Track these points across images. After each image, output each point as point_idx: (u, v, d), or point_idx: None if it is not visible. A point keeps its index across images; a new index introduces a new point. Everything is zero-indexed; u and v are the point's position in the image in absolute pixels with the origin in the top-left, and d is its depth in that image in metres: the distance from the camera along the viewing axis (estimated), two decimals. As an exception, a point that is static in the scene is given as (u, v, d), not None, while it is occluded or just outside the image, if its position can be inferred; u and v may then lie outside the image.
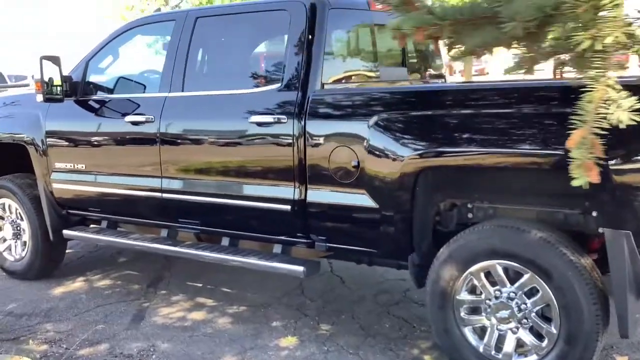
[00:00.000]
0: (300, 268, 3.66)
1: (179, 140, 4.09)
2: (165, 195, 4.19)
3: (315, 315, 4.21)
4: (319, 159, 3.51)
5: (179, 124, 4.10)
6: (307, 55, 3.64)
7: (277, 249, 3.94)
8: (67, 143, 4.69)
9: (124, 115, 4.34)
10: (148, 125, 4.19)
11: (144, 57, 5.44)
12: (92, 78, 4.73)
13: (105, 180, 4.50)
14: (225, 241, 4.18)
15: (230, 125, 3.89)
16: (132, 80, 4.89)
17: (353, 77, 4.09)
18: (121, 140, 4.39)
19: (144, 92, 4.70)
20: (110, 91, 4.76)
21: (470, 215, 3.40)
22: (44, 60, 4.33)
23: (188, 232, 4.41)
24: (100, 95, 4.72)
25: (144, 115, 4.21)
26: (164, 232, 4.48)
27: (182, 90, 4.13)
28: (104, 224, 4.80)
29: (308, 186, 3.58)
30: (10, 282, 5.12)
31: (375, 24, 4.15)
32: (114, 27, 5.03)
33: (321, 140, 3.51)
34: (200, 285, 4.89)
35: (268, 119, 3.67)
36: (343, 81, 3.94)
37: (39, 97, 4.39)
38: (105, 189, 4.52)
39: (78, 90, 4.62)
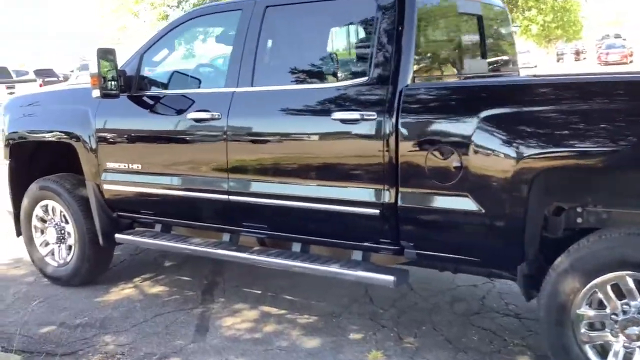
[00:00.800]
0: (390, 277, 3.38)
1: (249, 139, 3.80)
2: (232, 197, 3.90)
3: (392, 325, 3.93)
4: (412, 159, 3.23)
5: (249, 121, 3.82)
6: (397, 46, 3.35)
7: (356, 255, 3.65)
8: (120, 141, 4.40)
9: (185, 112, 4.05)
10: (214, 123, 3.90)
11: (201, 50, 5.14)
12: (146, 72, 4.44)
13: (162, 182, 4.22)
14: (296, 247, 3.89)
15: (309, 123, 3.60)
16: (187, 75, 4.60)
17: (442, 70, 3.80)
18: (182, 138, 4.10)
19: (200, 87, 4.42)
20: (165, 86, 4.47)
21: (579, 220, 3.13)
22: (99, 53, 4.03)
23: (252, 237, 4.13)
24: (154, 90, 4.43)
25: (209, 111, 3.92)
26: (225, 237, 4.20)
27: (252, 85, 3.84)
28: (158, 227, 4.51)
29: (400, 189, 3.29)
30: (54, 289, 4.83)
31: (460, 12, 3.87)
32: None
33: (415, 138, 3.22)
34: (259, 292, 4.60)
35: (353, 115, 3.38)
36: (432, 74, 3.65)
37: (95, 93, 4.09)
38: (163, 191, 4.23)
39: (132, 85, 4.33)
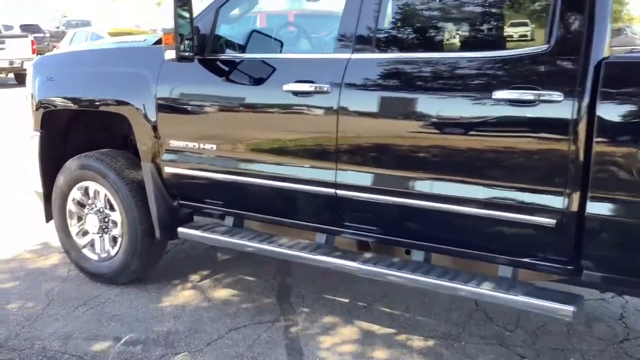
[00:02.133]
0: (569, 308, 2.64)
1: (369, 121, 3.01)
2: (340, 192, 3.11)
3: (534, 355, 3.21)
4: (613, 155, 2.47)
5: (370, 97, 3.01)
6: (589, 9, 2.56)
7: (504, 271, 2.91)
8: (188, 116, 3.56)
9: (277, 82, 3.23)
10: (319, 98, 3.09)
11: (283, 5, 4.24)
12: (222, 31, 3.60)
13: (242, 167, 3.41)
14: (418, 255, 3.14)
15: (456, 102, 2.80)
16: (270, 37, 3.77)
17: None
18: (272, 115, 3.29)
19: (294, 52, 3.62)
20: (244, 49, 3.63)
21: None
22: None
23: (354, 239, 3.37)
24: (233, 54, 3.60)
25: (314, 83, 3.10)
26: (320, 237, 3.42)
27: (375, 51, 3.03)
28: (229, 220, 3.71)
29: (589, 194, 2.54)
30: (95, 289, 4.03)
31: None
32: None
33: (619, 128, 2.46)
34: (346, 300, 3.85)
35: (525, 95, 2.60)
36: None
37: (169, 54, 3.25)
38: (242, 178, 3.43)
39: (206, 47, 3.48)
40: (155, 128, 3.63)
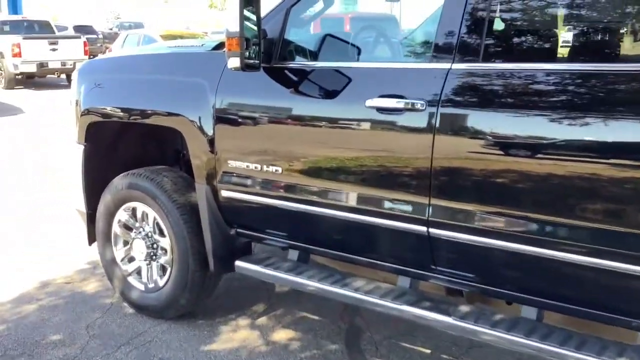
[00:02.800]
0: None
1: (476, 146, 2.45)
2: (434, 230, 2.57)
3: None
4: None
5: (478, 118, 2.46)
6: None
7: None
8: (251, 133, 3.08)
9: (357, 96, 2.71)
10: (410, 116, 2.57)
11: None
12: (292, 35, 3.10)
13: (314, 195, 2.91)
14: (529, 312, 2.57)
15: (612, 126, 2.22)
16: (345, 42, 3.26)
17: None
18: (351, 136, 2.78)
19: (375, 60, 3.09)
20: (315, 56, 3.13)
21: None
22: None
23: (445, 286, 2.82)
24: (303, 62, 3.11)
25: (403, 99, 2.57)
26: (403, 281, 2.89)
27: (484, 60, 2.48)
28: (293, 254, 3.21)
29: None
30: (141, 323, 3.58)
31: None
32: None
33: None
34: (427, 350, 3.30)
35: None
36: None
37: (233, 61, 2.76)
38: (314, 208, 2.92)
39: (273, 53, 2.99)
40: (212, 145, 3.16)
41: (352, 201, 2.79)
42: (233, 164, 3.12)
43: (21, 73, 16.34)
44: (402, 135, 2.60)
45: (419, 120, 2.54)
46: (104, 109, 3.61)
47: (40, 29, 18.04)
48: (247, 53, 2.79)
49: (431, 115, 2.51)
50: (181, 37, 14.78)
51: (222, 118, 3.11)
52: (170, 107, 3.30)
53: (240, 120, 3.09)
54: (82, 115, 3.68)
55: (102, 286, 4.06)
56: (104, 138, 3.75)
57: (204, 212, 3.28)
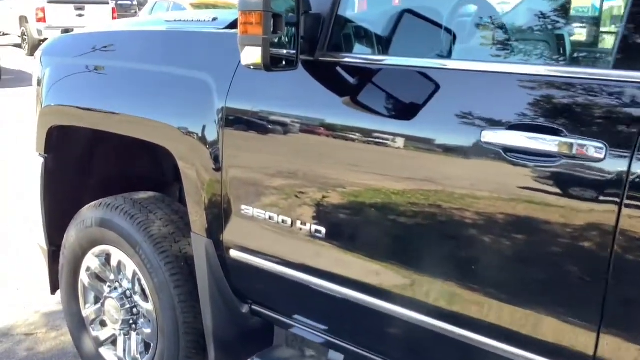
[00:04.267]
0: None
1: None
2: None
3: None
4: None
5: None
6: None
7: None
8: (282, 164, 1.92)
9: (464, 124, 1.54)
10: (571, 169, 1.38)
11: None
12: (351, 11, 1.93)
13: (385, 284, 1.74)
14: None
15: None
16: (439, 26, 2.05)
17: None
18: (454, 191, 1.59)
19: (508, 58, 1.90)
20: (385, 46, 1.95)
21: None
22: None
23: None
24: (365, 54, 1.93)
25: (559, 136, 1.39)
26: None
27: None
28: (336, 357, 2.06)
29: None
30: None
31: None
32: None
33: None
34: None
35: None
36: None
37: (250, 55, 1.59)
38: (383, 304, 1.76)
39: (320, 39, 1.81)
40: (217, 177, 2.02)
41: (447, 305, 1.63)
42: (249, 210, 1.98)
43: (45, 39, 15.36)
44: (553, 202, 1.42)
45: (591, 177, 1.36)
46: (70, 108, 2.49)
47: (68, -8, 17.02)
48: (276, 39, 1.62)
49: (617, 172, 1.32)
50: (214, 6, 13.56)
51: (234, 137, 1.97)
52: (154, 114, 2.17)
53: (263, 142, 1.94)
54: (41, 115, 2.57)
55: (70, 343, 2.98)
56: (72, 147, 2.65)
57: (202, 278, 2.16)
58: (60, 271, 2.67)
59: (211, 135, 2.02)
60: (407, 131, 1.65)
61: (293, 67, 1.70)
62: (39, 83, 2.61)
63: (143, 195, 2.50)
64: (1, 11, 16.43)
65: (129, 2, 27.73)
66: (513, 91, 1.53)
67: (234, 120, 1.96)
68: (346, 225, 1.81)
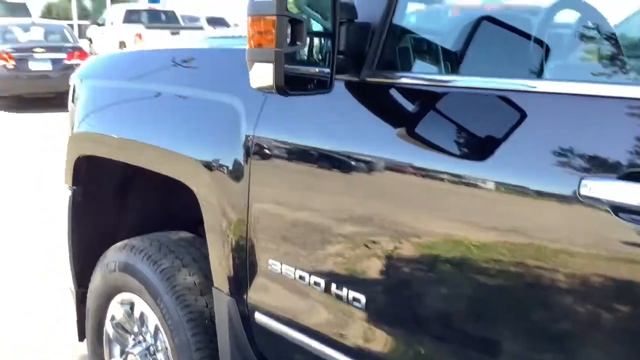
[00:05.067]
0: None
1: None
2: None
3: None
4: None
5: None
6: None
7: None
8: (324, 210, 1.53)
9: (557, 169, 1.08)
10: None
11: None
12: (410, 20, 1.52)
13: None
14: None
15: None
16: (524, 36, 1.58)
17: None
18: (542, 258, 1.13)
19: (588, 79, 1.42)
20: (455, 64, 1.52)
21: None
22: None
23: None
24: (429, 74, 1.50)
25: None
26: None
27: None
28: None
29: None
30: None
31: None
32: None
33: None
34: None
35: None
36: None
37: (260, 76, 1.20)
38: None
39: (368, 55, 1.41)
40: (243, 222, 1.65)
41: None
42: (277, 265, 1.60)
43: (142, 65, 15.82)
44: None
45: None
46: (95, 135, 2.21)
47: (166, 18, 17.55)
48: (299, 53, 1.24)
49: None
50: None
51: (263, 172, 1.60)
52: (172, 144, 1.83)
53: (294, 180, 1.56)
54: (69, 142, 2.31)
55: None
56: (103, 179, 2.36)
57: (224, 342, 1.79)
58: (87, 317, 2.38)
59: (236, 170, 1.65)
60: (480, 174, 1.21)
61: (325, 90, 1.30)
62: (71, 108, 2.36)
63: (173, 236, 2.17)
64: (102, 35, 17.14)
65: (226, 28, 28.39)
66: (628, 123, 1.07)
67: (263, 152, 1.60)
68: (394, 293, 1.38)
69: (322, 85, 1.31)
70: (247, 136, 1.62)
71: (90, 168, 2.29)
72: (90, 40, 18.79)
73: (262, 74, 1.18)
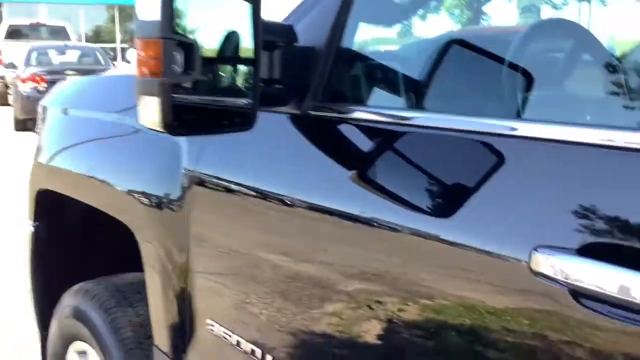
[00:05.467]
0: None
1: None
2: None
3: None
4: None
5: None
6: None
7: None
8: (251, 253, 1.31)
9: (514, 235, 0.83)
10: None
11: None
12: (363, 41, 1.30)
13: None
14: None
15: None
16: (500, 61, 1.34)
17: None
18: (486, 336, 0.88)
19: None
20: (418, 96, 1.29)
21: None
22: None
23: None
24: (384, 107, 1.27)
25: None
26: None
27: None
28: None
29: None
30: None
31: None
32: None
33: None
34: None
35: None
36: None
37: (145, 113, 1.00)
38: None
39: (313, 83, 1.20)
40: (179, 266, 1.45)
41: None
42: (213, 326, 1.38)
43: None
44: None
45: None
46: (48, 167, 2.04)
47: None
48: (217, 83, 1.04)
49: None
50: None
51: (203, 213, 1.40)
52: (113, 177, 1.64)
53: (236, 225, 1.35)
54: (31, 173, 2.16)
55: None
56: (65, 215, 2.19)
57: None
58: (48, 361, 2.21)
59: (175, 208, 1.45)
60: (429, 229, 0.98)
61: (243, 127, 1.09)
62: (36, 136, 2.21)
63: (129, 278, 1.98)
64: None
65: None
66: (605, 177, 0.82)
67: (202, 189, 1.39)
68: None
69: (244, 122, 1.10)
70: (185, 169, 1.42)
71: (51, 202, 2.13)
72: (128, 62, 19.08)
73: (149, 109, 0.97)
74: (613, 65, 1.43)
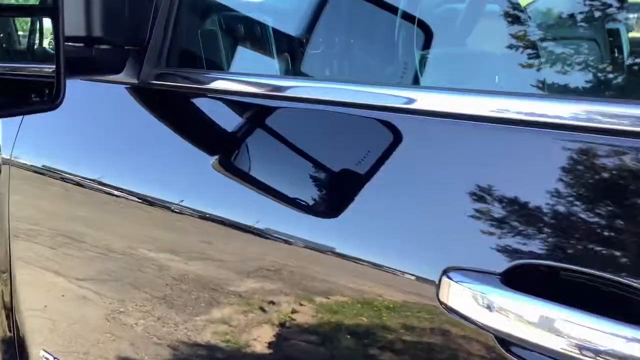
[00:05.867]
0: None
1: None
2: None
3: None
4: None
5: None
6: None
7: None
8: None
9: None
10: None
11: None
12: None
13: None
14: None
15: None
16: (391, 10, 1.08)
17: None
18: None
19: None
20: (290, 57, 1.02)
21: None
22: None
23: None
24: (244, 71, 0.99)
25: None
26: None
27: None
28: None
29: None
30: None
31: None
32: None
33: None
34: None
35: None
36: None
37: None
38: None
39: (152, 46, 0.91)
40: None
41: None
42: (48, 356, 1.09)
43: None
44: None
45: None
46: None
47: None
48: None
49: None
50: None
51: (22, 208, 1.11)
52: None
53: (56, 218, 1.06)
54: None
55: None
56: None
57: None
58: None
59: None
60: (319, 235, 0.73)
61: (49, 105, 0.79)
62: None
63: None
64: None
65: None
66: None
67: (20, 181, 1.09)
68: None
69: (49, 96, 0.80)
70: (4, 161, 1.12)
71: None
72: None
73: None
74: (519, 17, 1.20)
